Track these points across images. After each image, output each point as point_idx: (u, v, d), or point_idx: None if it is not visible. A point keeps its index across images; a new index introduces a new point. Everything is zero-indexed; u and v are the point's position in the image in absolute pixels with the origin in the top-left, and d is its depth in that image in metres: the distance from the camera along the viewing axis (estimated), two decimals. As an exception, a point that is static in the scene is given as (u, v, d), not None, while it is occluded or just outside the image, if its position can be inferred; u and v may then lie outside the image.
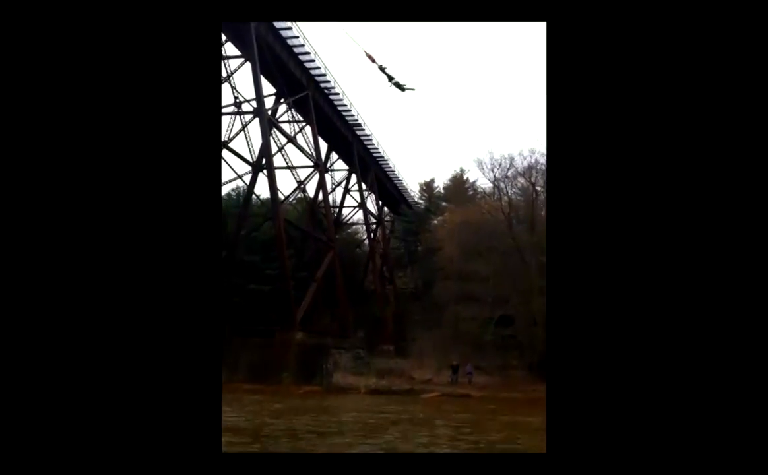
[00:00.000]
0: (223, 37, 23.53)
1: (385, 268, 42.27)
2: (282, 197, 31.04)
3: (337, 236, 35.68)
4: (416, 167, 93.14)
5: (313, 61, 28.64)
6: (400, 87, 16.83)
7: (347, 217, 42.85)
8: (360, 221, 41.74)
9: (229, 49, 24.35)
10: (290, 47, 26.93)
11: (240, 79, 25.91)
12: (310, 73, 29.19)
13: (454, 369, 24.87)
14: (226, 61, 24.29)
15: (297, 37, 26.57)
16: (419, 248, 40.30)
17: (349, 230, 44.72)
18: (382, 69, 16.53)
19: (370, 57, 16.67)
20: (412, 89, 16.80)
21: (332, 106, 32.53)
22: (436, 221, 39.15)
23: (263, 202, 32.19)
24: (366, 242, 41.70)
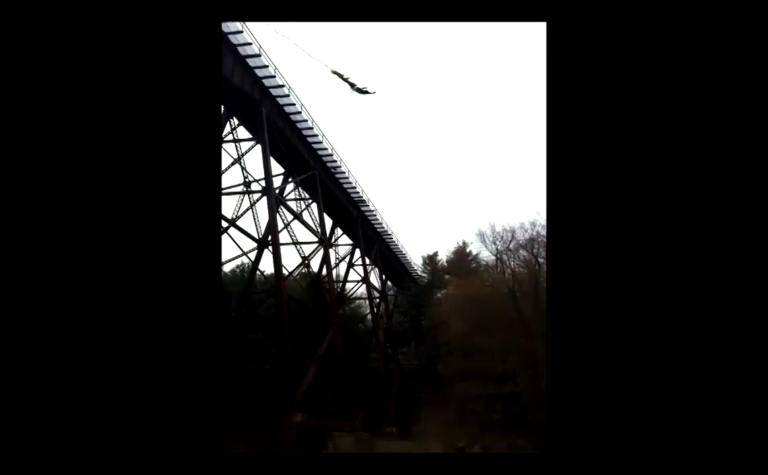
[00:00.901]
0: (235, 121, 24.41)
1: (388, 344, 41.97)
2: (286, 273, 31.25)
3: (340, 311, 35.65)
4: (419, 240, 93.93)
5: (320, 142, 29.58)
6: (363, 91, 17.65)
7: (351, 292, 42.93)
8: (363, 296, 41.79)
9: (241, 132, 25.21)
10: (299, 129, 27.87)
11: (250, 159, 26.77)
12: (317, 153, 30.07)
13: (460, 451, 24.38)
14: (237, 143, 25.08)
15: (306, 120, 27.55)
16: (423, 323, 40.15)
17: (352, 305, 44.68)
18: (342, 78, 17.45)
19: (336, 73, 17.34)
20: (374, 92, 17.55)
21: (337, 183, 33.30)
22: (439, 295, 39.18)
23: (267, 278, 32.40)
24: (369, 317, 41.58)
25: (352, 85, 17.92)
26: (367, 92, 17.78)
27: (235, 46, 20.21)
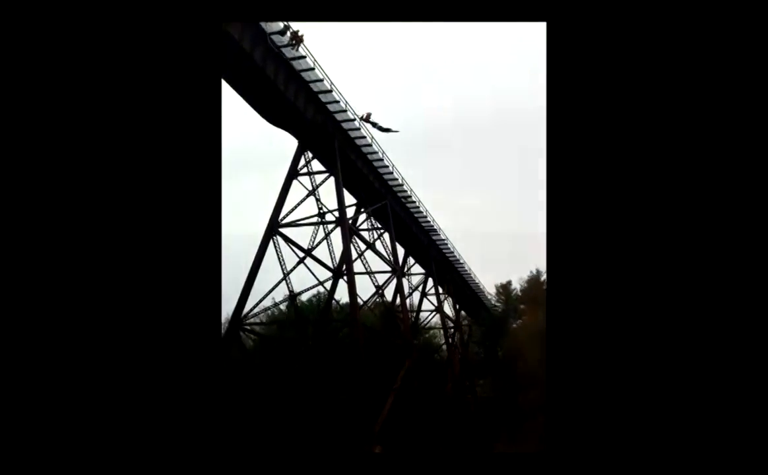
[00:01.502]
0: (309, 155, 25.38)
1: (464, 375, 41.35)
2: (361, 302, 31.67)
3: (415, 341, 35.61)
4: (492, 270, 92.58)
5: (390, 172, 30.13)
6: (387, 130, 19.26)
7: (425, 322, 42.81)
8: (437, 325, 41.56)
9: (315, 165, 26.14)
10: (370, 161, 28.55)
11: (324, 191, 27.69)
12: (387, 184, 30.61)
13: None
14: (312, 176, 26.03)
15: (376, 151, 28.21)
16: (500, 353, 39.35)
17: (427, 335, 44.52)
18: (368, 121, 19.38)
19: (363, 119, 19.38)
20: (397, 131, 19.27)
21: (408, 212, 33.66)
22: (515, 325, 38.39)
23: (343, 307, 32.96)
24: (444, 347, 41.24)
25: (378, 126, 19.37)
26: (390, 131, 20.18)
27: (307, 82, 21.14)
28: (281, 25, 17.99)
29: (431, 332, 44.50)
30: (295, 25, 18.46)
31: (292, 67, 19.81)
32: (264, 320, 31.07)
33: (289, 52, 18.99)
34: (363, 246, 32.16)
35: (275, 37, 18.01)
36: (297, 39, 18.67)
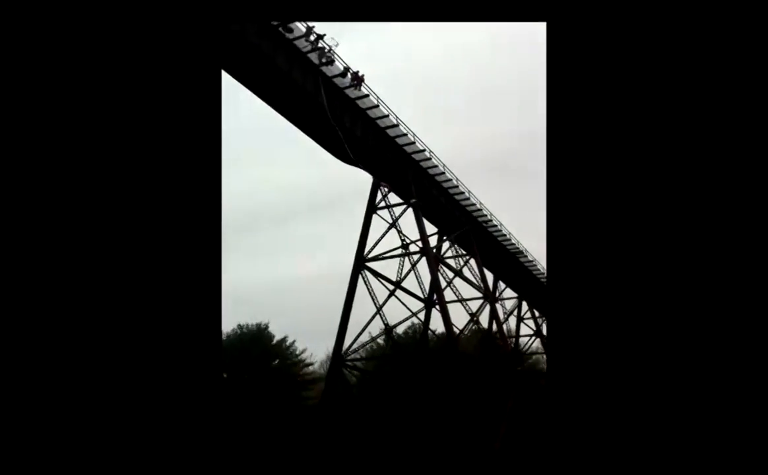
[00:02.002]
0: (386, 189, 27.25)
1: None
2: (456, 331, 32.35)
3: (519, 367, 35.48)
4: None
5: (467, 198, 31.26)
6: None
7: (525, 347, 42.42)
8: (540, 350, 41.02)
9: (392, 198, 27.94)
10: (445, 190, 29.97)
11: (404, 223, 29.11)
12: (466, 210, 31.74)
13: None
14: (390, 208, 27.76)
15: (450, 179, 29.60)
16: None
17: (530, 360, 43.89)
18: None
19: None
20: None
21: (491, 237, 34.37)
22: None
23: (439, 337, 33.81)
24: (549, 370, 40.42)
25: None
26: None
27: (373, 119, 23.21)
28: (341, 67, 20.18)
29: (533, 357, 43.86)
30: (352, 65, 20.60)
31: (357, 107, 21.95)
32: (363, 355, 32.44)
33: (352, 93, 21.15)
34: (451, 274, 33.20)
35: (337, 80, 20.23)
36: (358, 79, 20.75)
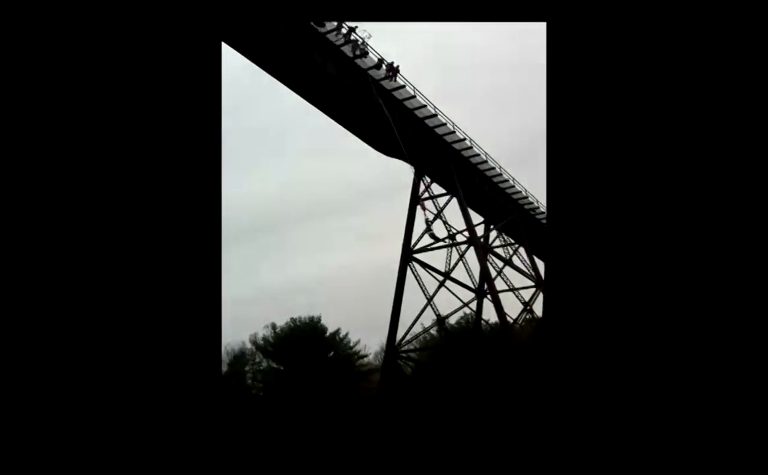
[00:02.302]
0: (428, 179, 27.65)
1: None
2: (510, 320, 32.21)
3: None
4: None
5: (512, 186, 31.19)
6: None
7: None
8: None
9: (435, 188, 28.32)
10: (489, 178, 30.05)
11: (449, 213, 29.35)
12: (512, 198, 31.66)
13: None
14: (434, 199, 28.13)
15: (493, 167, 29.69)
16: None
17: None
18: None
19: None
20: None
21: (540, 224, 34.03)
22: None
23: (493, 327, 33.78)
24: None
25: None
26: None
27: (411, 110, 23.71)
28: (375, 59, 20.80)
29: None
30: (386, 55, 21.13)
31: (394, 98, 22.50)
32: (417, 346, 32.88)
33: (388, 84, 21.74)
34: (500, 263, 33.10)
35: (372, 72, 20.88)
36: (393, 70, 21.28)
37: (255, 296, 71.64)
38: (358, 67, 20.47)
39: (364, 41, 19.86)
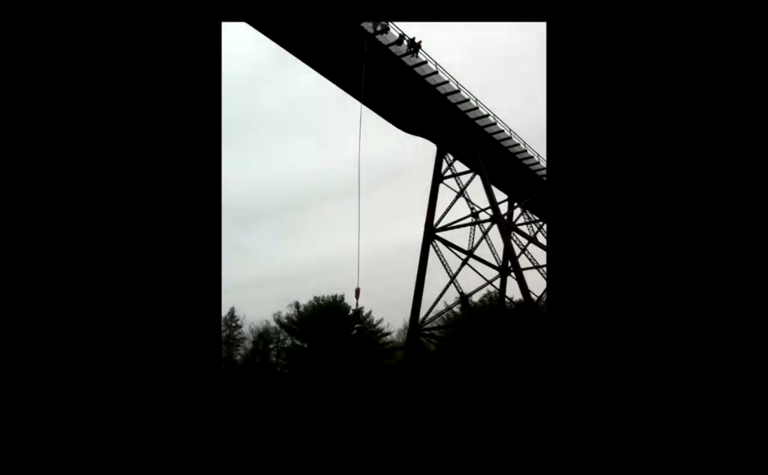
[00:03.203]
0: (451, 157, 27.41)
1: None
2: (534, 297, 32.03)
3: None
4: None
5: (537, 162, 30.75)
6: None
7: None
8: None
9: (458, 166, 28.06)
10: (513, 155, 29.67)
11: (471, 190, 29.12)
12: (536, 175, 31.24)
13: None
14: (457, 177, 27.88)
15: (518, 144, 29.28)
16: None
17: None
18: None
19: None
20: None
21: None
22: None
23: (517, 304, 33.64)
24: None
25: None
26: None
27: (433, 86, 23.43)
28: (396, 35, 20.53)
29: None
30: (407, 31, 20.89)
31: (416, 75, 22.25)
32: (440, 324, 32.94)
33: (410, 61, 21.48)
34: (524, 241, 32.83)
35: (393, 48, 20.65)
36: (415, 46, 21.00)
37: (279, 275, 72.40)
38: (380, 43, 20.22)
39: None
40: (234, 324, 40.42)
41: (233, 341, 40.27)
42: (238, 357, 40.09)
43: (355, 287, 14.83)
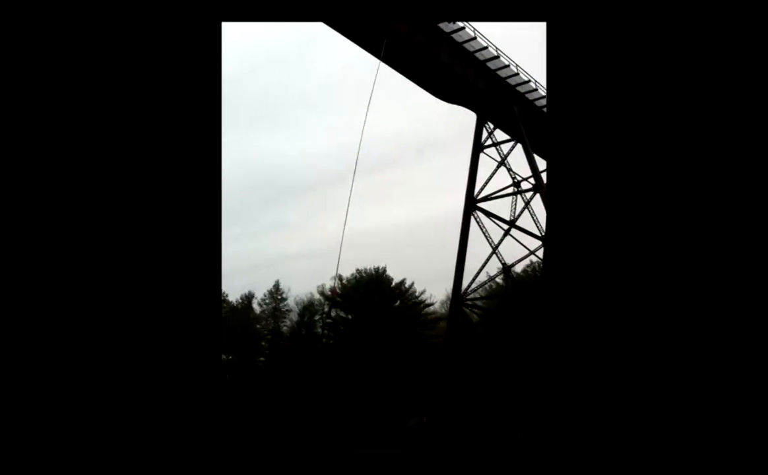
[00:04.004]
0: (491, 126, 26.94)
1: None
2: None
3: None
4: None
5: (582, 128, 29.85)
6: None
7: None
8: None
9: (498, 135, 27.57)
10: (556, 121, 28.87)
11: (512, 160, 28.60)
12: (581, 140, 30.33)
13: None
14: (498, 145, 27.43)
15: (561, 109, 28.46)
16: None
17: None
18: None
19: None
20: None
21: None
22: None
23: (560, 274, 33.21)
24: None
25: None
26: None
27: (471, 52, 22.96)
28: None
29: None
30: None
31: (453, 41, 21.83)
32: (483, 295, 32.85)
33: (447, 27, 21.06)
34: (569, 209, 32.02)
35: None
36: (450, 14, 20.63)
37: (321, 249, 73.36)
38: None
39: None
40: (279, 297, 41.36)
41: (279, 313, 41.25)
42: (285, 329, 41.10)
43: (334, 278, 14.54)
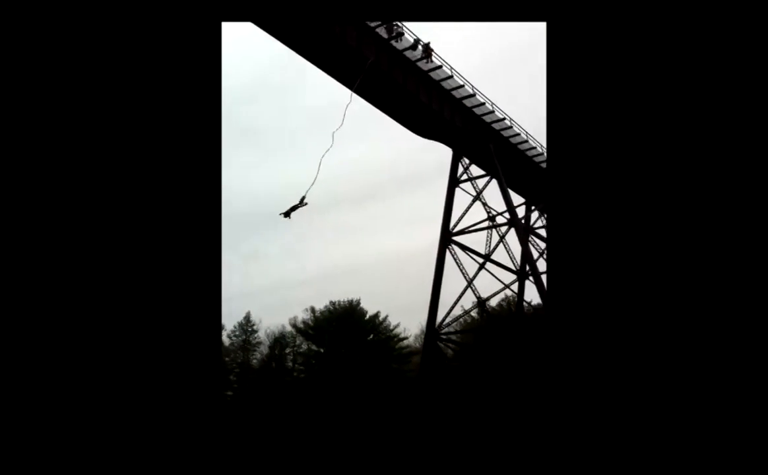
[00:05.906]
0: (467, 161, 27.11)
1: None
2: (552, 302, 31.52)
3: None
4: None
5: (555, 164, 30.31)
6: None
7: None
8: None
9: (474, 170, 27.73)
10: (530, 158, 29.27)
11: (488, 195, 28.74)
12: (555, 177, 30.77)
13: None
14: (474, 181, 27.56)
15: (534, 147, 28.88)
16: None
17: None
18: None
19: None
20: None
21: (585, 203, 33.06)
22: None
23: (535, 308, 33.23)
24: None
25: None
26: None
27: (448, 91, 23.16)
28: (411, 39, 20.24)
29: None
30: (415, 31, 20.61)
31: (431, 79, 21.97)
32: (457, 329, 32.66)
33: (425, 66, 21.20)
34: (542, 244, 32.37)
35: (408, 53, 20.36)
36: (428, 51, 20.73)
37: (294, 281, 72.47)
38: (394, 48, 19.98)
39: (399, 23, 19.35)
40: (250, 329, 40.47)
41: (249, 346, 40.33)
42: (254, 362, 40.14)
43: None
